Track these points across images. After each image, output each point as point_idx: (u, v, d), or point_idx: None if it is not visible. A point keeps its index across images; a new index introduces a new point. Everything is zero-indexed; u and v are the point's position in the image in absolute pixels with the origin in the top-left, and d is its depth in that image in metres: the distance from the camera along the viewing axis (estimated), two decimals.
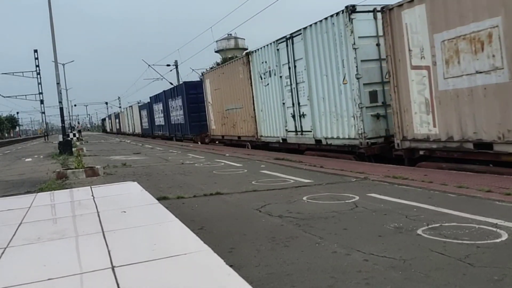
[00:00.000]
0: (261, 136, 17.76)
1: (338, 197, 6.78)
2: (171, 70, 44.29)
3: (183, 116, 29.93)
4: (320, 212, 5.80)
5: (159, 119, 39.16)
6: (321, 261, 3.89)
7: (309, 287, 3.33)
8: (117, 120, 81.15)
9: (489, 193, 6.23)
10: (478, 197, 6.09)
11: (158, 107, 39.26)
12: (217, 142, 24.83)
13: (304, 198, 6.85)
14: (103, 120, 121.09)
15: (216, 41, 68.77)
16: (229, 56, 58.53)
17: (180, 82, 38.12)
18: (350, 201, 6.41)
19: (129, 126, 62.67)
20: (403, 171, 8.99)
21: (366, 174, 8.83)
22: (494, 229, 4.50)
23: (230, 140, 21.99)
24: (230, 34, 72.43)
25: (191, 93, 28.37)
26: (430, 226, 4.77)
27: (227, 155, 16.04)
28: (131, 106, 57.66)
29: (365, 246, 4.22)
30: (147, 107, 44.49)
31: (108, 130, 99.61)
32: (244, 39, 77.74)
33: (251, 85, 17.92)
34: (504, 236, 4.27)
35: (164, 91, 35.80)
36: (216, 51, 75.75)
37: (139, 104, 51.90)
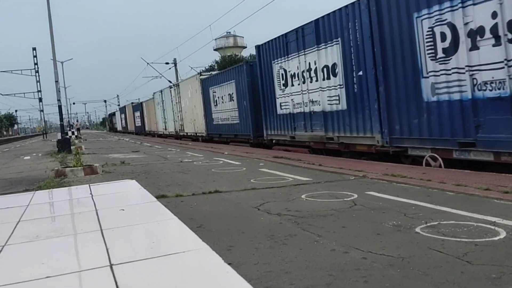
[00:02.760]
0: None
1: (336, 195, 6.79)
2: (170, 68, 44.26)
3: None
4: (319, 210, 5.80)
5: (307, 97, 14.15)
6: (320, 259, 3.90)
7: (307, 285, 3.33)
8: (137, 114, 54.14)
9: (488, 191, 6.24)
10: (476, 195, 6.10)
11: (302, 62, 14.20)
12: None
13: (303, 196, 6.85)
14: (111, 115, 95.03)
15: (215, 39, 68.87)
16: (228, 54, 58.55)
17: (180, 80, 37.24)
18: (348, 199, 6.41)
19: (166, 121, 36.38)
20: (401, 169, 8.99)
21: (365, 172, 8.83)
22: (492, 227, 4.51)
23: None
24: (229, 32, 72.57)
25: None
26: (428, 224, 4.77)
27: (226, 153, 16.03)
28: (177, 85, 32.50)
29: (364, 244, 4.23)
30: (239, 74, 20.12)
31: (120, 128, 73.16)
32: (243, 37, 77.80)
33: None
34: (502, 234, 4.27)
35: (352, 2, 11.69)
36: (215, 49, 75.78)
37: (204, 76, 26.39)
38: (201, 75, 26.89)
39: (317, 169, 10.01)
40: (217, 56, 66.35)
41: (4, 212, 5.17)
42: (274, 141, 17.22)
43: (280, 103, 16.11)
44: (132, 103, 59.71)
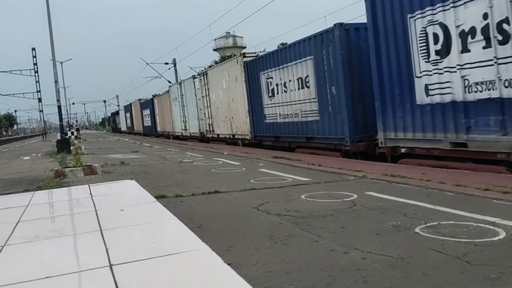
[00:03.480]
0: None
1: (336, 195, 6.79)
2: (169, 69, 44.32)
3: None
4: (318, 210, 5.80)
5: None
6: (319, 259, 3.90)
7: (307, 285, 3.33)
8: (146, 112, 45.63)
9: (487, 191, 6.24)
10: (475, 196, 6.10)
11: None
12: None
13: (302, 196, 6.85)
14: (114, 114, 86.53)
15: (215, 40, 68.99)
16: (228, 54, 58.58)
17: (179, 80, 37.09)
18: (348, 199, 6.41)
19: (187, 120, 29.15)
20: (401, 169, 8.99)
21: (364, 172, 8.83)
22: (492, 228, 4.51)
23: None
24: (229, 33, 72.63)
25: None
26: (428, 225, 4.77)
27: (226, 153, 16.03)
28: (204, 74, 24.67)
29: (363, 244, 4.23)
30: (324, 46, 13.00)
31: (124, 128, 65.06)
32: (242, 37, 77.87)
33: None
34: (502, 235, 4.27)
35: None
36: (214, 50, 75.84)
37: (250, 57, 19.24)
38: (244, 56, 19.45)
39: (317, 169, 10.00)
40: (216, 57, 66.47)
41: (4, 212, 5.17)
42: (403, 150, 10.47)
43: (426, 84, 9.61)
44: (139, 99, 51.24)
